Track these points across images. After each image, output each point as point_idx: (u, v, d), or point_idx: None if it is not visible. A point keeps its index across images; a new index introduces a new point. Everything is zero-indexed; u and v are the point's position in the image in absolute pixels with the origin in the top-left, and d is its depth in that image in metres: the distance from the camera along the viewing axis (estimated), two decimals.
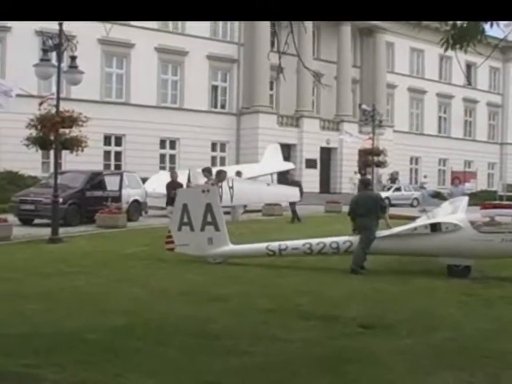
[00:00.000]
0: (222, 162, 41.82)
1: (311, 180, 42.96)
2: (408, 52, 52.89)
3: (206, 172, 18.75)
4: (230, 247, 12.53)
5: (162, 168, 38.21)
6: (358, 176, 37.29)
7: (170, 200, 17.29)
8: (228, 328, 7.29)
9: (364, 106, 40.16)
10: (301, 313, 8.11)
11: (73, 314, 7.92)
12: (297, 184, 27.05)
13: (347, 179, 44.39)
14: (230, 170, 24.86)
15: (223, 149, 43.10)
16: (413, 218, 15.21)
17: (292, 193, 25.53)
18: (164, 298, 9.03)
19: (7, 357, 5.97)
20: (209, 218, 12.37)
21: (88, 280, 10.45)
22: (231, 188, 21.04)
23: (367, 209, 11.90)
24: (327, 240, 12.17)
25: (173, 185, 18.51)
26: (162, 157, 40.24)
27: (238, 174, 24.79)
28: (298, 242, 12.32)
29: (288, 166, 36.78)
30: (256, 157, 38.83)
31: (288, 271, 11.79)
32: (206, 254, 12.44)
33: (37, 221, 21.31)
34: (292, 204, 25.05)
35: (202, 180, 18.27)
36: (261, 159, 35.83)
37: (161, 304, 8.63)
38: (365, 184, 13.40)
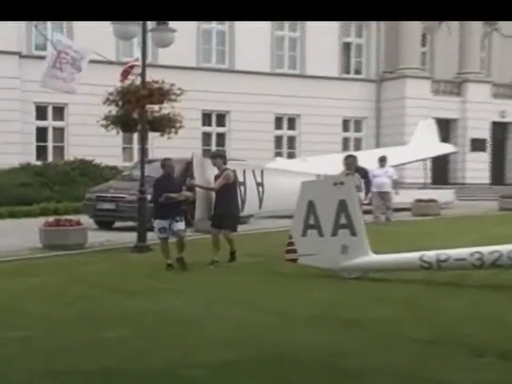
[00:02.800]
0: (357, 145, 41.65)
1: (478, 167, 42.26)
2: None
3: (218, 158, 15.04)
4: (371, 258, 12.43)
5: (279, 154, 38.51)
6: None
7: (159, 208, 14.05)
8: (371, 365, 7.18)
9: None
10: (471, 347, 7.88)
11: (165, 344, 8.04)
12: (363, 173, 20.65)
13: None
14: (367, 156, 24.58)
15: (358, 128, 42.93)
16: None
17: None
18: (283, 324, 9.04)
19: None
20: (343, 220, 12.33)
21: (183, 300, 10.60)
22: (259, 184, 17.21)
23: None
24: (505, 248, 11.81)
25: (163, 183, 14.34)
26: (278, 139, 40.59)
27: (382, 160, 24.18)
28: (465, 252, 12.03)
29: (447, 148, 36.20)
30: (402, 137, 38.49)
31: (449, 289, 11.57)
32: (339, 266, 12.40)
33: (117, 223, 21.89)
34: None
35: (210, 170, 15.05)
36: (410, 140, 35.32)
37: (280, 331, 8.64)
38: None
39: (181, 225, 13.82)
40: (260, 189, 17.32)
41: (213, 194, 14.55)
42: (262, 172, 17.63)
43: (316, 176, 19.53)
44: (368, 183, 19.58)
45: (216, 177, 14.51)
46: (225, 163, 14.83)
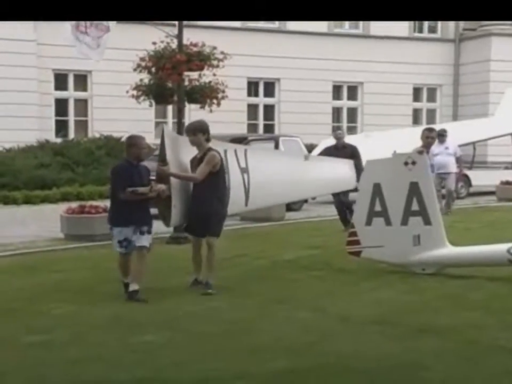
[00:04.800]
0: (431, 118, 41.35)
1: None
2: None
3: (199, 132, 11.71)
4: (449, 250, 12.44)
5: (338, 128, 38.19)
6: None
7: (119, 209, 11.24)
8: (452, 378, 7.17)
9: None
10: None
11: (208, 351, 8.09)
12: (352, 152, 19.96)
13: None
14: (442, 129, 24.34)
15: (431, 98, 42.61)
16: None
17: (343, 175, 18.78)
18: (346, 329, 9.06)
19: None
20: (415, 206, 12.32)
21: (230, 300, 10.65)
22: (244, 171, 13.71)
23: None
24: None
25: (129, 172, 11.25)
26: (336, 112, 40.53)
27: (441, 135, 21.81)
28: None
29: None
30: (486, 108, 38.26)
31: None
32: (410, 260, 12.42)
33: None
34: (343, 196, 19.53)
35: (185, 150, 12.06)
36: (495, 111, 34.97)
37: (342, 337, 8.66)
38: None
39: (146, 239, 10.97)
40: (245, 177, 13.87)
41: (191, 186, 11.68)
42: (245, 154, 14.18)
43: (304, 156, 18.61)
44: (359, 165, 18.20)
45: (193, 162, 11.57)
46: (208, 140, 11.70)
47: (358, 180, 16.69)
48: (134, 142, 11.21)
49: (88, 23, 17.29)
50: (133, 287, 10.72)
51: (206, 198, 11.29)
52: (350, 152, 19.34)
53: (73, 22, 17.12)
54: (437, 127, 21.61)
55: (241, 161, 13.81)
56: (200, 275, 11.60)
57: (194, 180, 11.38)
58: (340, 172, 18.69)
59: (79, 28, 17.20)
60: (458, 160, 22.17)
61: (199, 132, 11.63)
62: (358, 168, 17.85)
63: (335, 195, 19.55)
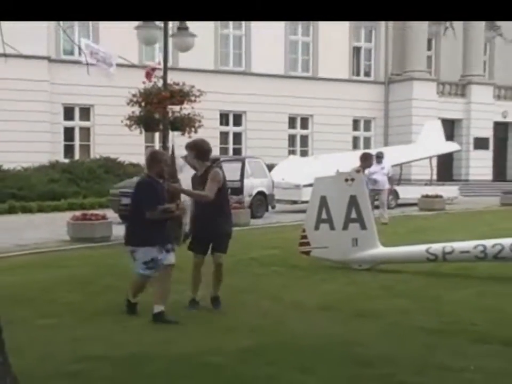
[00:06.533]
0: (366, 144, 41.56)
1: (481, 164, 42.23)
2: None
3: (200, 152, 9.37)
4: (380, 250, 12.44)
5: (292, 152, 38.56)
6: None
7: (146, 228, 8.58)
8: (382, 353, 7.17)
9: None
10: (476, 336, 7.87)
11: (190, 332, 8.07)
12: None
13: None
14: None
15: (367, 128, 42.82)
16: None
17: None
18: (299, 314, 9.02)
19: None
20: (353, 214, 12.30)
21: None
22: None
23: None
24: (506, 241, 11.78)
25: (156, 190, 8.87)
26: (292, 138, 40.51)
27: (379, 157, 21.58)
28: (468, 244, 12.03)
29: (452, 147, 36.15)
30: (409, 136, 38.47)
31: (455, 281, 11.51)
32: (349, 258, 12.40)
33: None
34: None
35: (186, 168, 10.68)
36: (417, 139, 35.26)
37: (296, 321, 8.63)
38: None
39: (173, 257, 8.81)
40: None
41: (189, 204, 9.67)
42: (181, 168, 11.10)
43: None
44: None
45: (194, 179, 9.45)
46: (207, 159, 9.36)
47: None
48: (160, 158, 8.91)
49: (96, 56, 17.33)
50: (159, 308, 8.55)
51: (215, 217, 9.16)
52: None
53: (86, 57, 17.08)
54: (373, 151, 21.65)
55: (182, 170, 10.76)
56: (197, 295, 9.50)
57: (206, 198, 9.00)
58: None
59: (92, 60, 17.19)
60: (390, 179, 22.17)
61: (200, 151, 9.31)
62: None
63: None
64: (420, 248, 12.25)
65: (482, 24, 38.06)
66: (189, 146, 9.36)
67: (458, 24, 38.61)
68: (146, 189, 8.58)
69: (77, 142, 35.15)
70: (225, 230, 9.29)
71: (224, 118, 38.50)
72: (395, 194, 27.92)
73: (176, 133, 19.23)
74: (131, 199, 9.03)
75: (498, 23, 41.92)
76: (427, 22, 39.77)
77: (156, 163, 8.70)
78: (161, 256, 8.50)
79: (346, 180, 12.53)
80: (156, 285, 8.78)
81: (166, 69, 17.40)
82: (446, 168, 41.02)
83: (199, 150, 9.25)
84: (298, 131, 40.84)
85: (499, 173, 44.18)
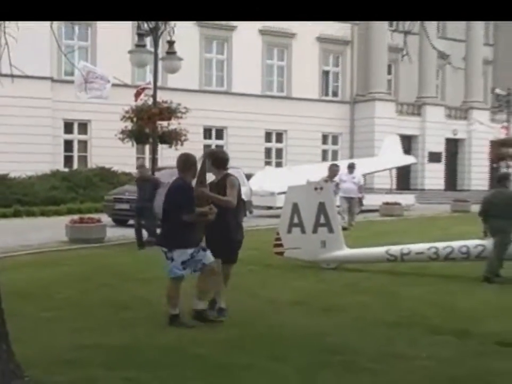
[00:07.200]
0: (334, 157, 41.61)
1: (435, 175, 42.54)
2: None
3: (219, 160, 8.85)
4: (346, 251, 12.44)
5: (268, 163, 38.62)
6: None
7: (181, 230, 7.79)
8: (347, 343, 7.19)
9: (497, 91, 38.97)
10: (429, 327, 7.93)
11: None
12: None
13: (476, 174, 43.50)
14: (343, 165, 24.50)
15: (335, 142, 42.91)
16: None
17: None
18: (274, 309, 9.02)
19: (108, 369, 6.12)
20: (322, 219, 12.30)
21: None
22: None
23: (503, 210, 11.42)
24: (456, 244, 11.91)
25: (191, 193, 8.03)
26: (268, 151, 40.50)
27: (350, 167, 21.89)
28: (423, 246, 12.12)
29: (409, 160, 36.35)
30: (372, 150, 38.55)
31: (411, 278, 11.56)
32: (318, 258, 12.39)
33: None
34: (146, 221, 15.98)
35: None
36: (378, 152, 35.43)
37: (271, 315, 8.62)
38: (501, 180, 12.79)
39: (210, 255, 7.96)
40: None
41: None
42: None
43: None
44: None
45: (211, 186, 8.47)
46: (224, 167, 8.73)
47: None
48: (193, 161, 8.01)
49: (93, 75, 17.28)
50: (201, 305, 8.08)
51: (230, 224, 8.39)
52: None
53: (82, 79, 17.03)
54: (341, 163, 21.69)
55: None
56: (222, 300, 8.60)
57: (230, 204, 8.24)
58: None
59: (88, 80, 17.14)
60: (360, 187, 22.07)
61: (219, 159, 8.73)
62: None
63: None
64: (380, 250, 12.30)
65: (434, 52, 38.28)
66: (207, 155, 8.93)
67: (414, 51, 38.77)
68: (186, 192, 7.79)
69: (75, 153, 35.02)
70: (237, 237, 8.55)
71: (207, 133, 38.43)
72: (359, 201, 27.99)
73: (165, 146, 19.28)
74: (167, 201, 8.01)
75: (448, 52, 42.43)
76: (386, 49, 40.21)
77: (191, 166, 7.94)
78: (199, 256, 7.80)
79: (316, 189, 12.53)
80: (198, 284, 8.06)
81: (155, 88, 17.42)
82: (404, 178, 41.22)
83: (216, 158, 8.66)
84: (273, 144, 40.86)
85: (450, 183, 44.43)
